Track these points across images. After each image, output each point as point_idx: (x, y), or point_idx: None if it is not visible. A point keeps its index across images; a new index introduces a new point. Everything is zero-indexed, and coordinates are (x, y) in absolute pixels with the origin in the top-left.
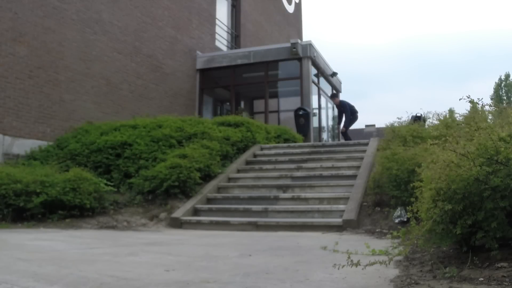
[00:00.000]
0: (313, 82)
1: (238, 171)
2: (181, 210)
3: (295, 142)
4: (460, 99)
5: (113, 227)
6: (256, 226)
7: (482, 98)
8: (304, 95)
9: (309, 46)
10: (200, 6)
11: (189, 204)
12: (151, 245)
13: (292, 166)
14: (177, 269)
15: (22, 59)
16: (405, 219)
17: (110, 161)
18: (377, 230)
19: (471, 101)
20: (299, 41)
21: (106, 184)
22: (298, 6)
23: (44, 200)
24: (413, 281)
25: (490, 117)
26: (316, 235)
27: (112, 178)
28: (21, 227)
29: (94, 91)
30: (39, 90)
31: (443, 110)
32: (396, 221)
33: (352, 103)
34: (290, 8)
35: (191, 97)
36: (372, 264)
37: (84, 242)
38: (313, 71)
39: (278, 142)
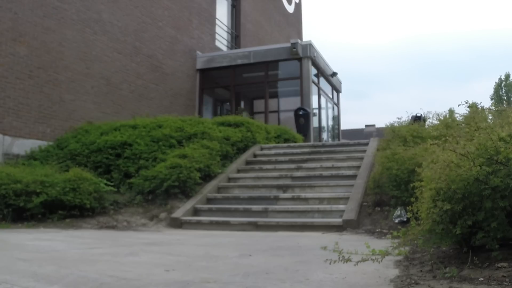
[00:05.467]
0: (313, 82)
1: (238, 171)
2: (181, 210)
3: (295, 142)
4: (459, 105)
5: (113, 227)
6: (256, 226)
7: (481, 102)
8: (304, 95)
9: (309, 46)
10: (200, 6)
11: (189, 204)
12: (151, 245)
13: (292, 166)
14: (177, 269)
15: (22, 59)
16: (405, 219)
17: (110, 161)
18: (377, 230)
19: (471, 105)
20: (299, 41)
21: (106, 184)
22: (298, 6)
23: (44, 200)
24: (413, 281)
25: (490, 117)
26: (316, 235)
27: (112, 178)
28: (21, 227)
29: (94, 91)
30: (39, 90)
31: (443, 110)
32: (396, 221)
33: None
34: (290, 8)
35: (191, 97)
36: (364, 260)
37: (84, 242)
38: (313, 71)
39: (278, 142)
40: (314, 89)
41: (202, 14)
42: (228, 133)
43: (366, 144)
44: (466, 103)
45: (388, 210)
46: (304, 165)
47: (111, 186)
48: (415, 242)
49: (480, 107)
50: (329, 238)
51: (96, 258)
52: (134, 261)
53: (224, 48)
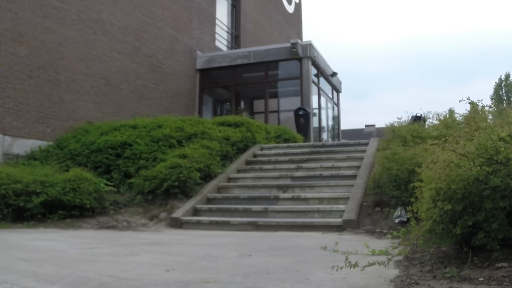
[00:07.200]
0: (313, 82)
1: (238, 171)
2: (181, 210)
3: (295, 142)
4: (460, 101)
5: (113, 227)
6: (256, 226)
7: (481, 100)
8: (304, 95)
9: (309, 46)
10: (200, 6)
11: (189, 204)
12: (151, 245)
13: (292, 166)
14: (177, 269)
15: (22, 59)
16: (405, 219)
17: (110, 161)
18: (377, 230)
19: (471, 103)
20: (299, 41)
21: (106, 184)
22: (298, 6)
23: (44, 200)
24: (413, 281)
25: (490, 117)
26: (316, 235)
27: (112, 178)
28: (21, 227)
29: (94, 91)
30: (39, 90)
31: (443, 110)
32: (396, 221)
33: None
34: (290, 8)
35: (191, 97)
36: (371, 264)
37: (84, 242)
38: (313, 71)
39: (278, 142)
40: (314, 89)
41: (202, 14)
42: (228, 133)
43: (366, 144)
44: (468, 99)
45: (388, 210)
46: (304, 165)
47: (111, 186)
48: (415, 242)
49: (480, 105)
50: (329, 238)
51: (96, 258)
52: (134, 261)
53: (224, 48)
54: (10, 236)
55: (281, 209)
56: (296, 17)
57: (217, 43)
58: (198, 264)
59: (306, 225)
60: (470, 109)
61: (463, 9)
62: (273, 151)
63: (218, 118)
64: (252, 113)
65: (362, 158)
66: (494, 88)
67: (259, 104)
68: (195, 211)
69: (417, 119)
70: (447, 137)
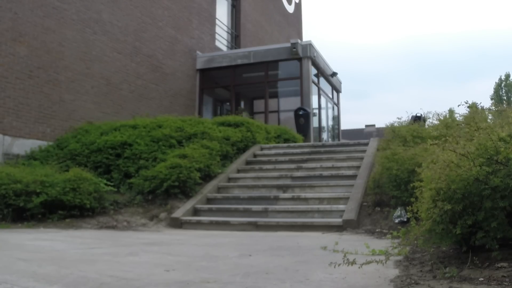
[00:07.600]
0: (313, 82)
1: (238, 171)
2: (181, 210)
3: (295, 142)
4: (459, 105)
5: (113, 227)
6: (256, 226)
7: (481, 103)
8: (304, 95)
9: (309, 46)
10: (200, 6)
11: (189, 204)
12: (151, 245)
13: (292, 166)
14: (177, 269)
15: (22, 59)
16: (405, 219)
17: (110, 161)
18: (377, 230)
19: (471, 106)
20: (299, 41)
21: (106, 184)
22: (298, 6)
23: (44, 200)
24: (413, 281)
25: (490, 117)
26: (316, 235)
27: (112, 178)
28: (21, 227)
29: (94, 91)
30: (39, 90)
31: (443, 110)
32: (396, 221)
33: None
34: (290, 8)
35: (191, 97)
36: (368, 263)
37: (84, 242)
38: (313, 71)
39: (278, 142)
40: (314, 89)
41: (202, 14)
42: (228, 133)
43: (366, 144)
44: (466, 103)
45: (388, 210)
46: (304, 165)
47: (111, 186)
48: (415, 242)
49: (480, 107)
50: (329, 238)
51: (96, 258)
52: (134, 261)
53: (224, 48)
54: (10, 236)
55: (281, 209)
56: (296, 17)
57: (217, 43)
58: (198, 264)
59: (306, 225)
60: (470, 109)
61: (463, 9)
62: (273, 151)
63: (218, 118)
64: (252, 113)
65: (362, 158)
66: (494, 88)
67: (259, 104)
68: (195, 211)
69: (417, 119)
70: (447, 137)
